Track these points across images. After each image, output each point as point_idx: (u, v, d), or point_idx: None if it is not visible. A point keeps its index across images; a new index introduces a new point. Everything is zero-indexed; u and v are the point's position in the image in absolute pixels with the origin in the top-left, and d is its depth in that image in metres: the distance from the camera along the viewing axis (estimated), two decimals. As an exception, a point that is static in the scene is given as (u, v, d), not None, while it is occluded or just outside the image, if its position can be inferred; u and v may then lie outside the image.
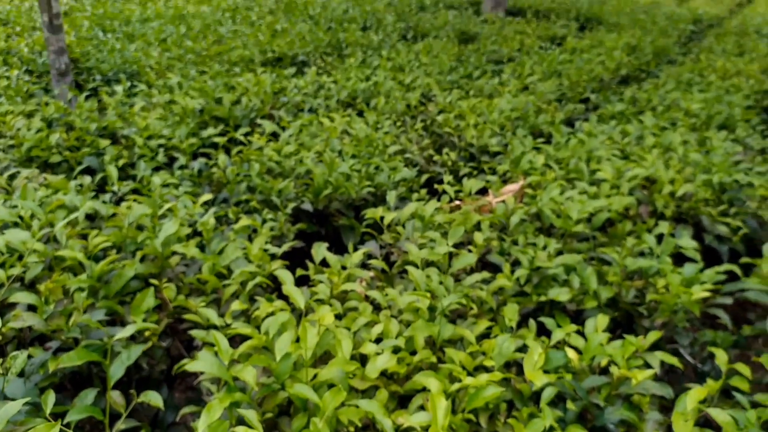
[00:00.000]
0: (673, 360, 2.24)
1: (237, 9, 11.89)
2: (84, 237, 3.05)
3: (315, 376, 2.02)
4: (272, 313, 2.37)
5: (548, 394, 2.02)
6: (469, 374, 2.17)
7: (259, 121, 5.15)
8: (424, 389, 2.07)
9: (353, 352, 2.20)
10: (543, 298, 2.71)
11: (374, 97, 6.35)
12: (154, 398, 2.02)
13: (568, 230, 3.30)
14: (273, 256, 3.10)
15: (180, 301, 2.56)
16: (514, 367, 2.33)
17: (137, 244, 2.90)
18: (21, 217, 3.07)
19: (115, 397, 2.10)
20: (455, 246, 3.21)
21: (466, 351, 2.27)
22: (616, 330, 2.88)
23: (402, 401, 2.15)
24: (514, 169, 4.37)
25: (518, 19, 12.65)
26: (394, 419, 1.89)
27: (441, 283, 2.66)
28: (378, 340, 2.34)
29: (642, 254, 3.24)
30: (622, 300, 2.83)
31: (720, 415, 1.94)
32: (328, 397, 1.84)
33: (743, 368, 2.20)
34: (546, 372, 2.18)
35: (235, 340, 2.52)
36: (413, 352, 2.26)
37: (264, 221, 3.49)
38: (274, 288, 2.89)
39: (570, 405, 2.04)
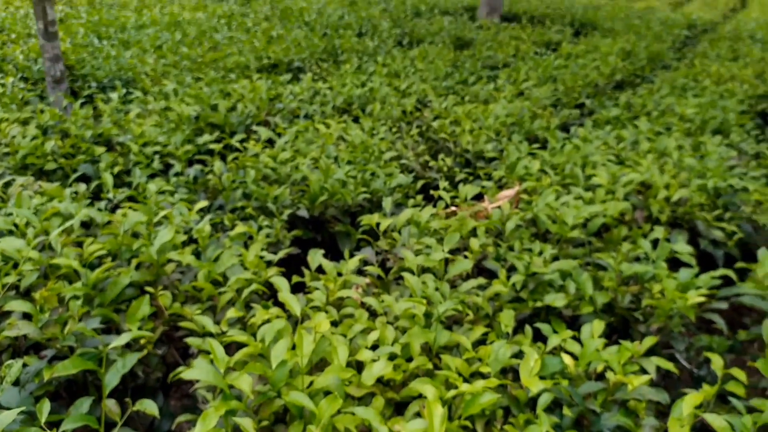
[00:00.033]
0: (669, 365, 2.24)
1: (233, 15, 11.91)
2: (79, 245, 3.04)
3: (311, 383, 2.01)
4: (268, 321, 2.37)
5: (544, 400, 2.02)
6: (466, 381, 2.17)
7: (254, 127, 5.15)
8: (421, 396, 2.07)
9: (349, 359, 2.19)
10: (539, 304, 2.72)
11: (370, 103, 6.36)
12: (149, 407, 2.01)
13: (564, 236, 3.30)
14: (269, 263, 3.10)
15: (175, 309, 2.55)
16: (511, 373, 2.33)
17: (132, 251, 2.89)
18: (16, 225, 3.06)
19: (111, 405, 2.09)
20: (451, 252, 3.21)
21: (463, 357, 2.27)
22: (612, 335, 2.89)
23: (398, 408, 2.15)
24: (509, 174, 4.38)
25: (513, 24, 12.70)
26: (390, 427, 1.89)
27: (437, 289, 2.66)
28: (374, 347, 2.34)
29: (637, 259, 3.24)
30: (617, 305, 2.84)
31: (716, 420, 1.94)
32: (324, 405, 1.83)
33: (739, 373, 2.21)
34: (542, 378, 2.18)
35: (231, 348, 2.51)
36: (409, 359, 2.26)
37: (260, 228, 3.48)
38: (270, 295, 2.89)
39: (566, 411, 2.04)
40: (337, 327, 2.42)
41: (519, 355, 2.33)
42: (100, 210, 3.45)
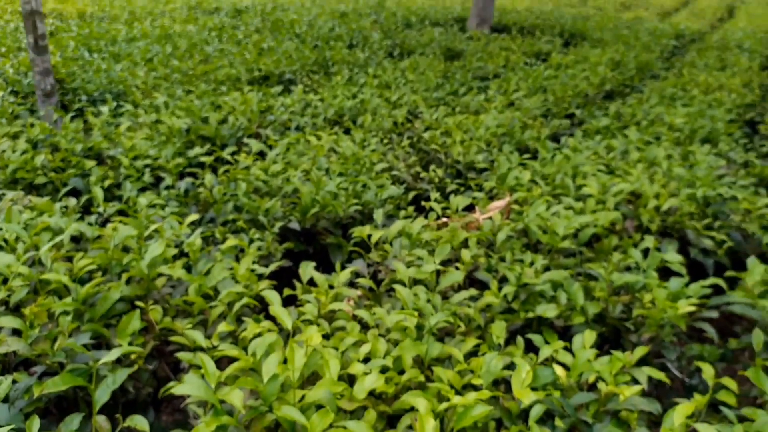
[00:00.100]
0: (661, 375, 2.25)
1: (223, 28, 11.93)
2: (69, 260, 3.02)
3: (303, 397, 2.01)
4: (259, 334, 2.36)
5: (537, 411, 2.02)
6: (458, 393, 2.17)
7: (245, 140, 5.15)
8: (413, 409, 2.06)
9: (341, 372, 2.19)
10: (531, 315, 2.72)
11: (361, 115, 6.38)
12: (140, 423, 2.00)
13: (555, 246, 3.31)
14: (260, 276, 3.09)
15: (166, 323, 2.54)
16: (503, 384, 2.33)
17: (123, 266, 2.88)
18: (5, 240, 3.04)
19: (101, 421, 2.08)
20: (443, 263, 3.22)
21: (455, 369, 2.27)
22: (604, 345, 2.89)
23: (390, 421, 2.14)
24: (500, 185, 4.39)
25: (503, 35, 12.77)
26: (382, 440, 1.88)
27: (428, 301, 2.66)
28: (366, 360, 2.34)
29: (628, 269, 3.26)
30: (609, 315, 2.84)
31: (707, 430, 1.95)
32: (316, 419, 1.83)
33: (730, 382, 2.22)
34: (534, 389, 2.18)
35: (223, 362, 2.50)
36: (401, 372, 2.25)
37: (251, 241, 3.48)
38: (261, 308, 2.88)
39: (558, 422, 2.04)
40: (328, 340, 2.42)
41: (511, 366, 2.33)
42: (90, 224, 3.44)
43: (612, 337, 2.91)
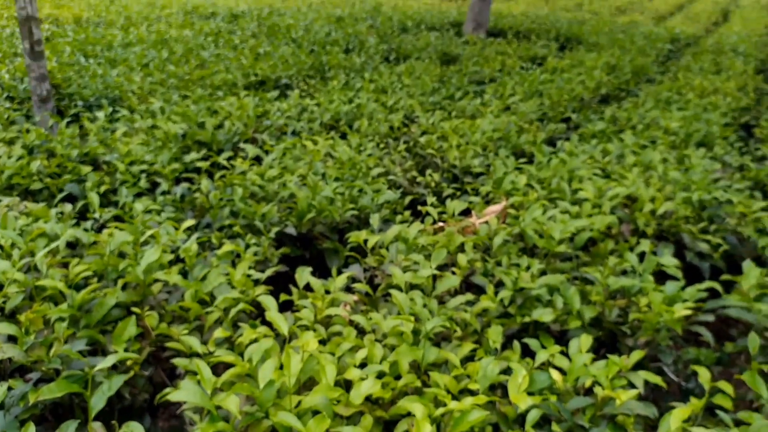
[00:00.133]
0: (657, 379, 2.25)
1: (220, 33, 11.94)
2: (65, 266, 3.02)
3: (299, 403, 2.00)
4: (256, 340, 2.36)
5: (533, 416, 2.02)
6: (454, 398, 2.16)
7: (242, 145, 5.15)
8: (409, 414, 2.06)
9: (337, 377, 2.19)
10: (527, 319, 2.72)
11: (357, 120, 6.38)
12: (136, 429, 2.00)
13: (551, 250, 3.32)
14: (256, 282, 3.09)
15: (162, 329, 2.54)
16: (499, 389, 2.33)
17: (119, 272, 2.88)
18: (1, 246, 3.04)
19: (97, 428, 2.08)
20: (439, 268, 3.22)
21: (451, 374, 2.27)
22: (600, 350, 2.89)
23: (387, 427, 2.14)
24: (496, 189, 4.40)
25: (499, 39, 12.80)
26: (379, 446, 1.88)
27: (425, 306, 2.66)
28: (362, 365, 2.34)
29: (624, 273, 3.26)
30: (605, 319, 2.85)
31: (704, 434, 1.95)
32: (313, 425, 1.82)
33: (726, 386, 2.22)
34: (530, 394, 2.18)
35: (219, 368, 2.50)
36: (398, 377, 2.25)
37: (247, 246, 3.48)
38: (257, 314, 2.88)
39: (555, 427, 2.04)
40: (325, 345, 2.42)
41: (508, 371, 2.33)
42: (86, 230, 3.43)
43: (608, 341, 2.91)
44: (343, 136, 6.18)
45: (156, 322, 2.59)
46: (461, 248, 3.40)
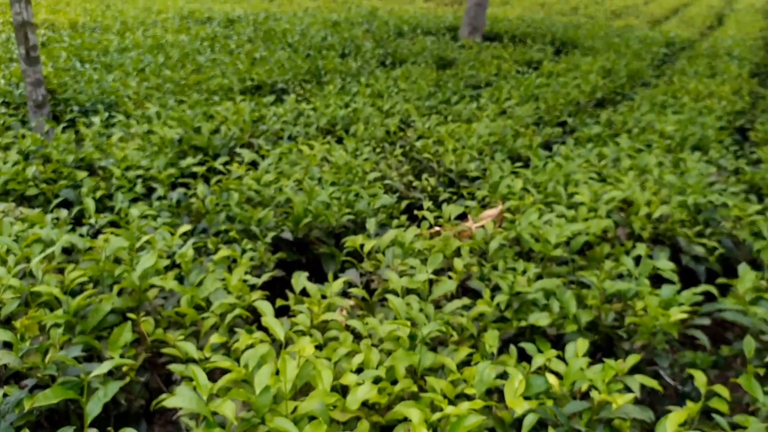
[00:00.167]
0: (653, 383, 2.25)
1: (216, 38, 11.94)
2: (60, 271, 3.01)
3: (295, 408, 2.00)
4: (252, 346, 2.36)
5: (530, 420, 2.02)
6: (451, 403, 2.16)
7: (238, 149, 5.15)
8: (406, 419, 2.06)
9: (334, 383, 2.18)
10: (523, 323, 2.72)
11: (353, 124, 6.39)
12: (131, 436, 1.99)
13: (547, 254, 3.32)
14: (253, 287, 3.08)
15: (158, 335, 2.53)
16: (496, 394, 2.33)
17: (114, 277, 2.87)
18: (-4, 253, 3.03)
19: (92, 435, 2.07)
20: (435, 272, 3.22)
21: (447, 379, 2.27)
22: (597, 353, 2.89)
23: (384, 432, 2.14)
24: (492, 194, 4.40)
25: (495, 44, 12.83)
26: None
27: (421, 310, 2.66)
28: (359, 370, 2.33)
29: (620, 277, 3.26)
30: (601, 323, 2.85)
31: (700, 438, 1.95)
32: (309, 431, 1.82)
33: (722, 390, 2.22)
34: (527, 398, 2.18)
35: (215, 374, 2.49)
36: (394, 382, 2.25)
37: (243, 251, 3.47)
38: (254, 319, 2.87)
39: (551, 431, 2.04)
40: (321, 350, 2.41)
41: (504, 375, 2.33)
42: (81, 236, 3.42)
43: (605, 345, 2.91)
44: (340, 141, 6.19)
45: (152, 327, 2.59)
46: (457, 253, 3.40)
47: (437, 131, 6.02)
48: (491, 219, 3.78)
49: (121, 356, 2.36)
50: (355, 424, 2.07)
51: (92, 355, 2.54)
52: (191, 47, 10.55)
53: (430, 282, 2.98)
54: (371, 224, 3.62)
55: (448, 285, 2.79)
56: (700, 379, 2.25)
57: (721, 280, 3.18)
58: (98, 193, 4.13)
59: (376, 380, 2.22)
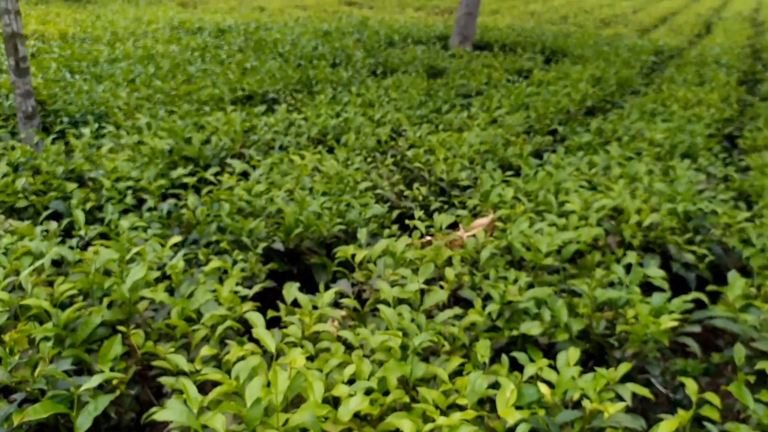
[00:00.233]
0: (645, 391, 2.26)
1: (206, 48, 11.94)
2: (50, 284, 3.00)
3: (287, 421, 1.99)
4: (243, 357, 2.35)
5: (522, 430, 2.02)
6: (443, 413, 2.16)
7: (229, 160, 5.14)
8: (398, 430, 2.05)
9: (325, 394, 2.18)
10: (515, 333, 2.73)
11: (345, 134, 6.39)
12: (122, 450, 1.98)
13: (539, 263, 3.33)
14: (244, 298, 3.07)
15: (149, 348, 2.52)
16: (488, 404, 2.33)
17: (104, 290, 2.86)
18: (-15, 266, 3.01)
19: (82, 449, 2.05)
20: (427, 282, 3.22)
21: (439, 389, 2.26)
22: (588, 362, 2.90)
23: (376, 443, 2.13)
24: (483, 202, 4.41)
25: (485, 53, 12.88)
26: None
27: (413, 320, 2.66)
28: (351, 381, 2.33)
29: (611, 285, 3.27)
30: (593, 332, 2.85)
31: (691, 446, 1.95)
32: (300, 443, 1.81)
33: (713, 397, 2.23)
34: (519, 408, 2.18)
35: (207, 386, 2.48)
36: (386, 393, 2.24)
37: (234, 262, 3.46)
38: (245, 331, 2.86)
39: (544, 441, 2.04)
40: (312, 362, 2.41)
41: (496, 385, 2.33)
42: (71, 248, 3.41)
43: (596, 354, 2.92)
44: (331, 151, 6.19)
45: (142, 340, 2.58)
46: (449, 262, 3.40)
47: (428, 140, 6.04)
48: (482, 228, 3.78)
49: (112, 369, 2.34)
50: (347, 435, 2.06)
51: (82, 369, 2.52)
52: (182, 57, 10.55)
53: (422, 292, 2.98)
54: (362, 234, 3.62)
55: (439, 294, 2.79)
56: (691, 386, 2.25)
57: (711, 288, 3.20)
58: (88, 205, 4.11)
59: (368, 391, 2.21)
